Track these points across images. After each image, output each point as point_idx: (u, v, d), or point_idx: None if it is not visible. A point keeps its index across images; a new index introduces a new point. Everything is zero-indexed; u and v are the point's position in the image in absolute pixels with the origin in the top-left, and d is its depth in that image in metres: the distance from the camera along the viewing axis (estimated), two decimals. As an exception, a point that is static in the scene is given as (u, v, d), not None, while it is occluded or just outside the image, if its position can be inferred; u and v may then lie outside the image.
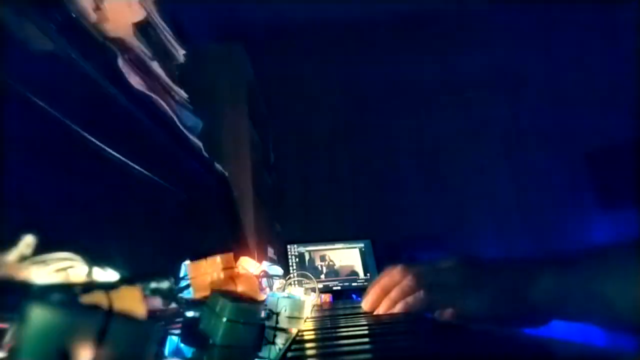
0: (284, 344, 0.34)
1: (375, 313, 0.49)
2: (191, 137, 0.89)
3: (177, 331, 0.29)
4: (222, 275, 0.36)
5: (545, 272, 0.40)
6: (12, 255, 0.17)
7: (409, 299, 0.45)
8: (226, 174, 1.11)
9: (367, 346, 0.28)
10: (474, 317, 0.42)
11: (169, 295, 0.27)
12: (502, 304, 0.41)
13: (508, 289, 0.41)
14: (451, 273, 0.45)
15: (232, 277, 0.36)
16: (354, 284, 1.73)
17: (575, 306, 0.38)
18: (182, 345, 0.32)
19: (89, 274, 0.19)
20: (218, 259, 0.37)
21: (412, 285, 0.46)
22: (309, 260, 1.77)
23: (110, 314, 0.12)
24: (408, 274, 0.47)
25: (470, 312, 0.42)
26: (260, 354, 0.32)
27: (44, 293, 0.15)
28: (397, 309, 0.46)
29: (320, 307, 0.92)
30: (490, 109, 2.50)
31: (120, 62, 0.61)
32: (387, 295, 0.48)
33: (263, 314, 0.36)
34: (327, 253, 1.80)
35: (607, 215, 2.13)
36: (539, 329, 0.41)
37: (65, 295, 0.15)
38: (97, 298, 0.16)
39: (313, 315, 0.64)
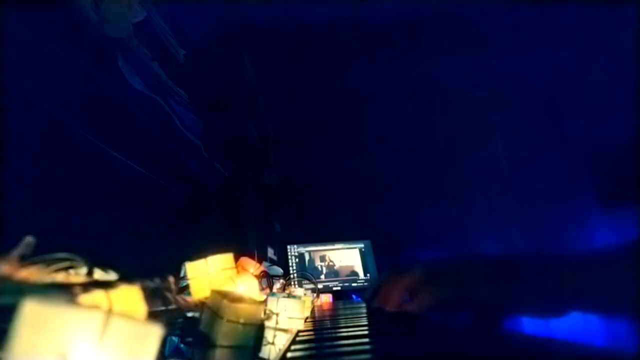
0: (284, 345, 0.34)
1: (388, 310, 0.48)
2: (191, 137, 0.89)
3: (177, 331, 0.29)
4: (221, 276, 0.36)
5: (565, 264, 0.40)
6: (12, 255, 0.17)
7: (422, 297, 0.45)
8: (226, 174, 1.11)
9: (367, 346, 0.28)
10: (489, 310, 0.42)
11: (169, 296, 0.27)
12: (518, 295, 0.41)
13: (530, 279, 0.41)
14: (462, 269, 0.45)
15: (232, 278, 0.36)
16: (354, 284, 1.73)
17: (592, 298, 0.38)
18: (182, 345, 0.32)
19: (89, 274, 0.19)
20: (218, 259, 0.37)
21: (424, 283, 0.46)
22: (309, 260, 1.77)
23: (110, 314, 0.12)
24: (419, 272, 0.47)
25: (495, 303, 0.42)
26: (260, 354, 0.32)
27: (44, 293, 0.15)
28: (410, 307, 0.46)
29: (320, 308, 0.92)
30: (489, 110, 2.50)
31: (121, 62, 0.61)
32: (399, 294, 0.47)
33: (263, 315, 0.36)
34: (327, 253, 1.80)
35: (607, 215, 2.13)
36: (557, 318, 0.41)
37: (65, 295, 0.15)
38: (97, 298, 0.16)
39: (313, 315, 0.64)
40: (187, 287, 0.36)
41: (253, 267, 0.54)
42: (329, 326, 0.47)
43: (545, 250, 2.19)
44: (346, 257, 1.80)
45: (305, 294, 0.64)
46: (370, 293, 0.57)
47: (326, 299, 1.44)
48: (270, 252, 1.54)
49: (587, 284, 0.38)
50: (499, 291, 0.42)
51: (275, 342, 0.35)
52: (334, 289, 1.69)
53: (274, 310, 0.37)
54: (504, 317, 0.43)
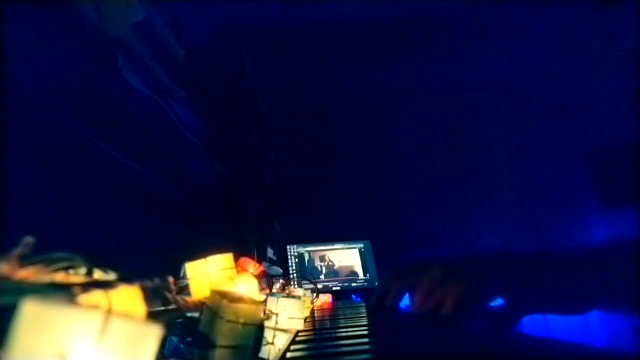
0: (283, 345, 0.34)
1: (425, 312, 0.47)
2: (191, 137, 0.89)
3: (177, 331, 0.29)
4: (221, 276, 0.36)
5: (590, 262, 0.40)
6: (12, 255, 0.17)
7: (456, 293, 0.43)
8: (226, 174, 1.11)
9: (367, 346, 0.28)
10: (522, 305, 0.42)
11: (169, 296, 0.27)
12: (550, 291, 0.41)
13: (555, 277, 0.41)
14: (481, 267, 0.45)
15: (231, 278, 0.36)
16: (353, 284, 1.73)
17: (620, 296, 0.38)
18: (182, 345, 0.32)
19: (89, 274, 0.19)
20: (218, 259, 0.37)
21: (455, 279, 0.45)
22: (308, 260, 1.77)
23: (109, 315, 0.12)
24: (439, 272, 0.46)
25: (520, 300, 0.42)
26: (260, 355, 0.32)
27: (44, 293, 0.15)
28: (448, 307, 0.44)
29: (320, 308, 0.92)
30: (489, 110, 2.50)
31: (120, 62, 0.61)
32: (433, 296, 0.46)
33: (263, 315, 0.36)
34: (327, 254, 1.80)
35: (607, 215, 2.13)
36: (582, 315, 0.41)
37: (65, 295, 0.15)
38: (97, 298, 0.16)
39: (313, 315, 0.64)
40: (187, 287, 0.36)
41: (253, 267, 0.54)
42: (328, 326, 0.47)
43: (566, 247, 2.19)
44: (346, 257, 1.80)
45: (305, 294, 0.64)
46: (375, 301, 0.56)
47: (326, 299, 1.44)
48: (270, 253, 1.54)
49: (611, 282, 0.38)
50: (522, 288, 0.42)
51: (275, 342, 0.35)
52: (334, 289, 1.69)
53: (274, 311, 0.37)
54: (523, 315, 0.43)
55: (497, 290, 0.43)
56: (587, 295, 0.40)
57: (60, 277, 0.18)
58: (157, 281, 0.26)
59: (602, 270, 0.39)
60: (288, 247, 1.78)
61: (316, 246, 1.81)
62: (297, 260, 1.75)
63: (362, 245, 1.84)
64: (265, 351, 0.33)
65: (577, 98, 2.35)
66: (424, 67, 2.49)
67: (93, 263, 0.19)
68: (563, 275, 0.41)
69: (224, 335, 0.25)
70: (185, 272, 0.37)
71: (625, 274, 0.37)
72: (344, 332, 0.38)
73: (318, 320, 0.55)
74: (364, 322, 0.46)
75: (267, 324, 0.36)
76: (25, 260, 0.17)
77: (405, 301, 0.54)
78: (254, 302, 0.27)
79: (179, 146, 0.84)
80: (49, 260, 0.18)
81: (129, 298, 0.17)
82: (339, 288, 1.70)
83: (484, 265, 0.46)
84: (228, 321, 0.25)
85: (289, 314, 0.37)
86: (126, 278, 0.19)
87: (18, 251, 0.17)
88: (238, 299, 0.26)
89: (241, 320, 0.25)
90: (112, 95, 0.60)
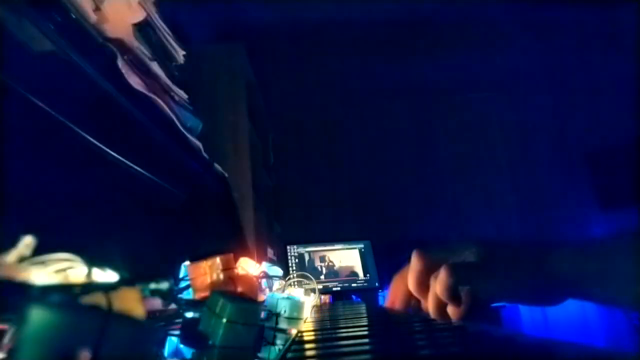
0: (283, 345, 0.33)
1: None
2: (191, 137, 0.89)
3: (177, 332, 0.29)
4: (221, 276, 0.36)
5: (563, 250, 0.40)
6: (12, 255, 0.17)
7: (437, 289, 0.43)
8: (226, 174, 1.10)
9: (367, 347, 0.28)
10: (491, 294, 0.42)
11: (169, 296, 0.27)
12: (520, 279, 0.41)
13: (526, 265, 0.41)
14: (468, 252, 0.44)
15: (231, 278, 0.36)
16: (353, 284, 1.73)
17: (592, 285, 0.38)
18: (181, 345, 0.32)
19: (89, 274, 0.19)
20: (218, 259, 0.37)
21: (430, 271, 0.44)
22: (308, 261, 1.76)
23: (109, 315, 0.12)
24: (419, 263, 0.46)
25: (488, 290, 0.42)
26: (260, 355, 0.32)
27: (44, 294, 0.15)
28: (431, 302, 0.44)
29: (320, 308, 0.92)
30: (490, 110, 2.50)
31: (120, 62, 0.61)
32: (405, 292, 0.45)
33: (263, 315, 0.36)
34: (327, 254, 1.80)
35: (607, 215, 2.13)
36: (555, 305, 0.41)
37: (65, 296, 0.15)
38: (97, 299, 0.16)
39: (313, 316, 0.64)
40: (186, 287, 0.36)
41: (253, 267, 0.54)
42: (329, 326, 0.47)
43: (540, 236, 2.19)
44: (346, 257, 1.80)
45: (304, 295, 0.64)
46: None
47: (325, 299, 1.44)
48: (270, 253, 1.54)
49: (585, 271, 0.38)
50: (492, 276, 0.41)
51: (275, 342, 0.35)
52: (334, 289, 1.69)
53: (274, 311, 0.37)
54: (488, 303, 0.42)
55: (463, 278, 0.42)
56: (555, 285, 0.40)
57: (60, 277, 0.18)
58: (156, 282, 0.26)
59: (579, 259, 0.39)
60: (288, 247, 1.78)
61: (316, 246, 1.80)
62: (297, 260, 1.75)
63: (362, 245, 1.84)
64: (265, 351, 0.33)
65: (577, 98, 2.35)
66: (424, 66, 2.50)
67: (93, 263, 0.19)
68: (528, 264, 0.41)
69: (223, 336, 0.25)
70: (185, 273, 0.37)
71: (607, 264, 0.37)
72: (344, 332, 0.38)
73: (318, 320, 0.55)
74: (364, 322, 0.46)
75: (267, 324, 0.36)
76: (25, 260, 0.17)
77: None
78: (254, 303, 0.27)
79: (179, 146, 0.84)
80: (49, 260, 0.18)
81: (129, 298, 0.17)
82: (339, 288, 1.70)
83: (457, 251, 0.45)
84: (228, 321, 0.25)
85: (288, 315, 0.37)
86: (126, 279, 0.19)
87: (18, 251, 0.17)
88: (238, 299, 0.26)
89: (241, 321, 0.25)
90: (112, 95, 0.60)
